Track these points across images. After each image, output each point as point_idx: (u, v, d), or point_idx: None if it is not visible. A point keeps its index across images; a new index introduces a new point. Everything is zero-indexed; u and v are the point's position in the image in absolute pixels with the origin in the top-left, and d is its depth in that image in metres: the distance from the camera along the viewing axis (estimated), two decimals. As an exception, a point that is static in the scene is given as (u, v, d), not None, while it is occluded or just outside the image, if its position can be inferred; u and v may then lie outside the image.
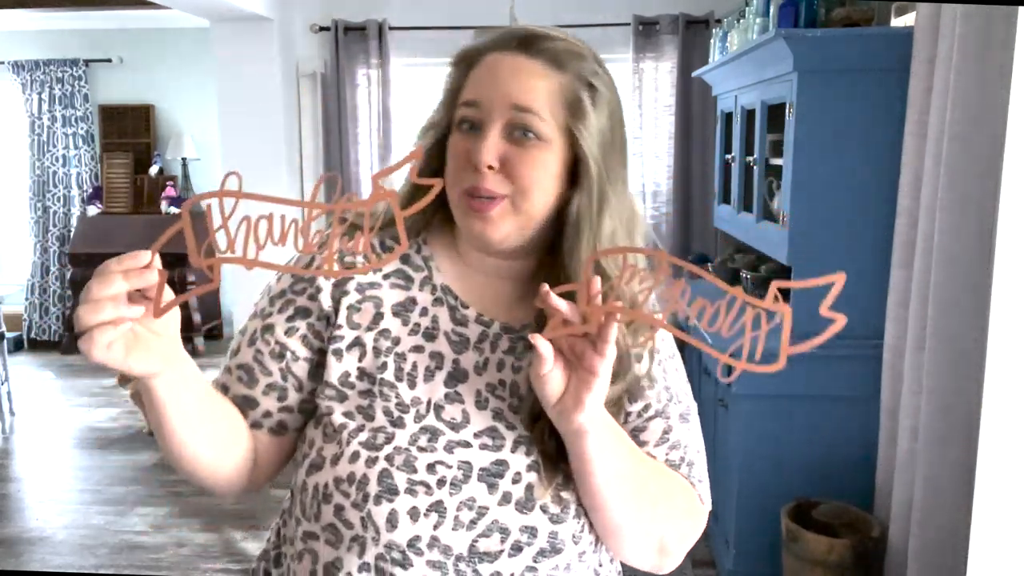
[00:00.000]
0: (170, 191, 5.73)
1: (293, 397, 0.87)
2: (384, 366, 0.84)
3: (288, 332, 0.87)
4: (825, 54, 2.27)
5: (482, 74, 0.83)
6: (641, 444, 0.86)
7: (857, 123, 2.29)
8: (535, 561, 0.80)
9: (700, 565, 2.77)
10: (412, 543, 0.78)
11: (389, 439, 0.81)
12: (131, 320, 0.67)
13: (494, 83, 0.81)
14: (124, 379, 4.17)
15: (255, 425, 0.88)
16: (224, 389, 0.88)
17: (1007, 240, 1.61)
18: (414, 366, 0.85)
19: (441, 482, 0.79)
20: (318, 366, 0.87)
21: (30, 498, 3.50)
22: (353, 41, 4.48)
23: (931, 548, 1.97)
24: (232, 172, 0.66)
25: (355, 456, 0.80)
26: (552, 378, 0.74)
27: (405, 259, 0.90)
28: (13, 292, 5.78)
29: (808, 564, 2.20)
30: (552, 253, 0.87)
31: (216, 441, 0.83)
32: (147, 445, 4.02)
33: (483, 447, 0.81)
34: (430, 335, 0.86)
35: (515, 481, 0.80)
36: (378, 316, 0.86)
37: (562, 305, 0.72)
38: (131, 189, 5.85)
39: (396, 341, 0.85)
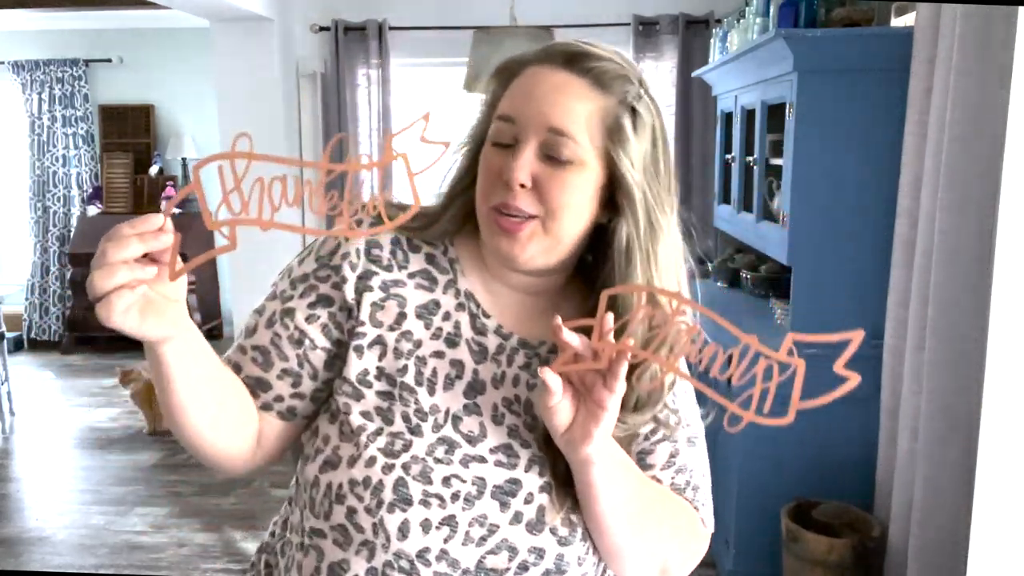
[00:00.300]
0: (170, 191, 5.73)
1: (307, 385, 0.87)
2: (405, 369, 0.84)
3: (309, 319, 0.86)
4: (825, 54, 2.27)
5: (521, 88, 0.82)
6: (648, 467, 0.86)
7: (857, 123, 2.29)
8: None
9: (700, 565, 2.76)
10: (421, 554, 0.78)
11: (407, 447, 0.80)
12: (146, 284, 0.66)
13: (532, 100, 0.80)
14: (125, 379, 4.17)
15: (265, 407, 0.87)
16: (237, 368, 0.87)
17: (1007, 240, 1.61)
18: (434, 372, 0.84)
19: (455, 496, 0.79)
20: (335, 357, 0.86)
21: (30, 498, 3.50)
22: (353, 41, 4.48)
23: (931, 548, 1.97)
24: (243, 134, 0.66)
25: (372, 461, 0.80)
26: (560, 409, 0.74)
27: (431, 259, 0.89)
28: (13, 292, 5.78)
29: (808, 564, 2.20)
30: (582, 273, 0.88)
31: (222, 414, 0.82)
32: (147, 445, 4.02)
33: (498, 464, 0.81)
34: (452, 341, 0.85)
35: (527, 501, 0.80)
36: (401, 316, 0.85)
37: (574, 340, 0.72)
38: (131, 189, 5.85)
39: (418, 344, 0.85)
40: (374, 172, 4.54)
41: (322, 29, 4.48)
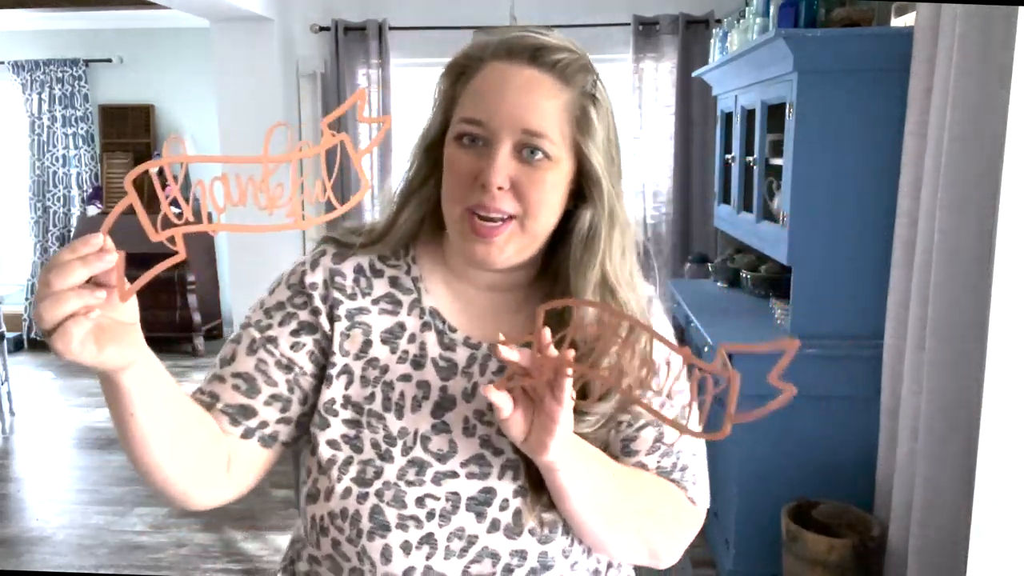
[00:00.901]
0: (170, 190, 5.73)
1: (295, 410, 0.87)
2: (372, 396, 0.84)
3: (294, 347, 0.86)
4: (825, 54, 2.27)
5: (486, 88, 0.80)
6: (633, 453, 0.87)
7: (857, 123, 2.29)
8: None
9: (700, 565, 2.77)
10: (407, 573, 0.80)
11: (378, 473, 0.81)
12: (98, 308, 0.62)
13: (502, 101, 0.79)
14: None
15: (246, 434, 0.84)
16: (214, 397, 0.84)
17: (1007, 240, 1.61)
18: (401, 395, 0.84)
19: (431, 515, 0.80)
20: (322, 382, 0.86)
21: (30, 498, 3.50)
22: (353, 41, 4.48)
23: (931, 548, 1.97)
24: (174, 136, 0.65)
25: (347, 492, 0.81)
26: (514, 423, 0.74)
27: (394, 282, 0.88)
28: (13, 292, 5.78)
29: (808, 564, 2.20)
30: (548, 264, 0.87)
31: (183, 442, 0.77)
32: (147, 445, 4.02)
33: (470, 476, 0.82)
34: (418, 363, 0.85)
35: (503, 508, 0.81)
36: (367, 344, 0.86)
37: (514, 356, 0.72)
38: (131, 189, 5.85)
39: (384, 370, 0.85)
40: (370, 172, 4.53)
41: (322, 29, 4.48)
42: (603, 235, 0.82)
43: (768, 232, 2.67)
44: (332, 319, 0.86)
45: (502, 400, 0.73)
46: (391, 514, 0.80)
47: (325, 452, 0.83)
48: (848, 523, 2.29)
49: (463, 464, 0.83)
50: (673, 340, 0.71)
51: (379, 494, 0.80)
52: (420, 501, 0.81)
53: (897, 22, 2.34)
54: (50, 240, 5.97)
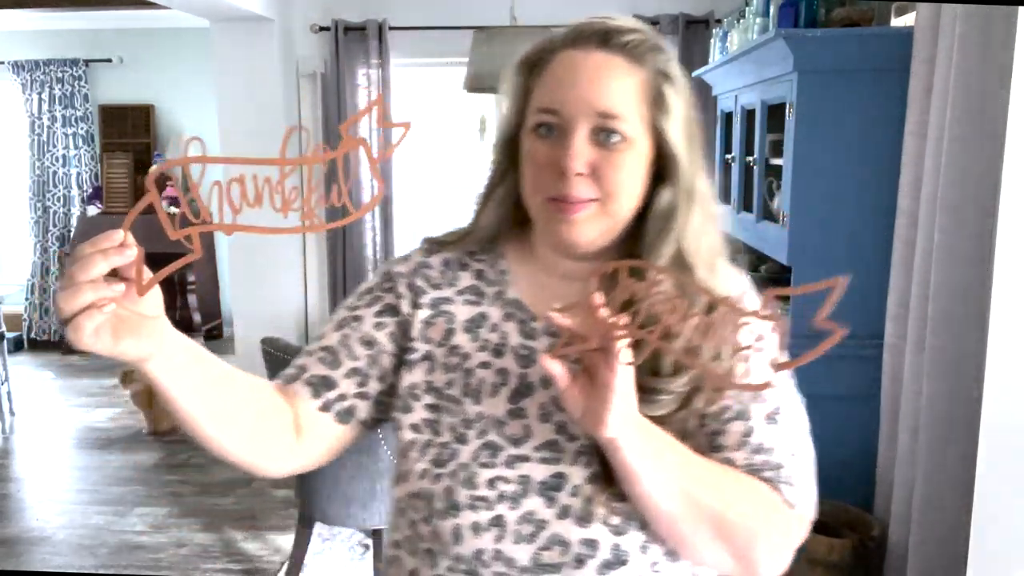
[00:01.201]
0: (170, 191, 5.73)
1: (373, 386, 0.90)
2: (452, 382, 0.87)
3: (377, 327, 0.90)
4: (825, 54, 2.27)
5: (559, 76, 0.81)
6: (720, 448, 0.82)
7: (857, 123, 2.29)
8: (600, 573, 0.79)
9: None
10: (477, 555, 0.80)
11: (453, 455, 0.83)
12: (114, 301, 0.65)
13: (574, 86, 0.79)
14: (126, 380, 4.17)
15: (324, 407, 0.88)
16: (301, 369, 0.89)
17: (1007, 240, 1.61)
18: (480, 382, 0.86)
19: (501, 496, 0.80)
20: (400, 364, 0.90)
21: (30, 498, 3.50)
22: (353, 41, 4.48)
23: (931, 548, 1.97)
24: (194, 137, 0.66)
25: (423, 473, 0.83)
26: (571, 396, 0.73)
27: (479, 275, 0.92)
28: (13, 292, 5.78)
29: (808, 564, 2.20)
30: (633, 253, 0.86)
31: (234, 419, 0.81)
32: (147, 445, 4.02)
33: (543, 460, 0.82)
34: (498, 351, 0.87)
35: (573, 494, 0.80)
36: (449, 332, 0.89)
37: (566, 322, 0.71)
38: (131, 189, 5.84)
39: (465, 357, 0.87)
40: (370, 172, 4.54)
41: (322, 29, 4.48)
42: (681, 213, 0.81)
43: (768, 232, 2.67)
44: (415, 306, 0.90)
45: (556, 368, 0.72)
46: (462, 495, 0.81)
47: (407, 435, 0.86)
48: (848, 523, 2.29)
49: (536, 448, 0.83)
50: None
51: (453, 475, 0.82)
52: (491, 483, 0.81)
53: (897, 22, 2.34)
54: (50, 240, 5.96)
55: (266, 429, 0.85)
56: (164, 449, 3.97)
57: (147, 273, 0.67)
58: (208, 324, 5.82)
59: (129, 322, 0.66)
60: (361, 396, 0.89)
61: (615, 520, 0.80)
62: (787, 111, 2.39)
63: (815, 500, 0.84)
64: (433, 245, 0.95)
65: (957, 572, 1.80)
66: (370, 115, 0.69)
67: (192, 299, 5.61)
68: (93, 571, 2.88)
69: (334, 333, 0.91)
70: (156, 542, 3.05)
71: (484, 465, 0.82)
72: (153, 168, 0.76)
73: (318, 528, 2.84)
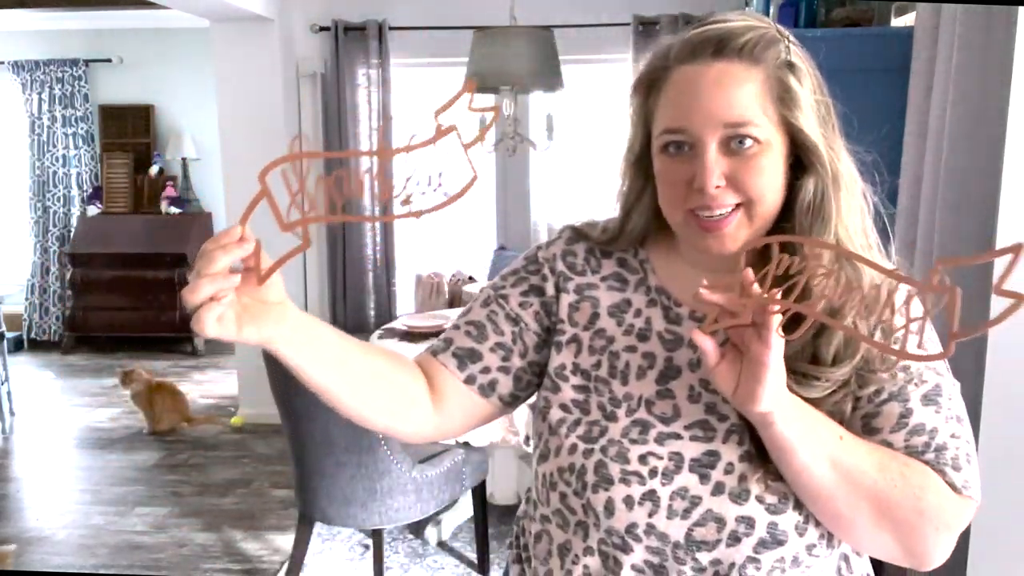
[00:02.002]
0: (170, 191, 5.73)
1: (515, 362, 0.93)
2: (599, 364, 0.89)
3: (522, 305, 0.94)
4: (825, 54, 2.26)
5: (678, 94, 0.80)
6: (875, 431, 0.80)
7: (857, 123, 2.29)
8: (756, 552, 0.79)
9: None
10: (630, 529, 0.81)
11: (603, 432, 0.85)
12: (231, 291, 0.70)
13: (697, 103, 0.78)
14: (126, 380, 4.17)
15: (469, 380, 0.93)
16: (447, 342, 0.94)
17: (1007, 240, 1.61)
18: (627, 365, 0.88)
19: (653, 472, 0.82)
20: (544, 343, 0.93)
21: (30, 498, 3.51)
22: (353, 41, 4.48)
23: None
24: (299, 135, 0.71)
25: (574, 448, 0.85)
26: (721, 373, 0.73)
27: (622, 263, 0.94)
28: (13, 292, 5.78)
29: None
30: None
31: (364, 390, 0.86)
32: (147, 445, 4.02)
33: (694, 438, 0.83)
34: (643, 336, 0.89)
35: (727, 472, 0.80)
36: (594, 316, 0.91)
37: (717, 299, 0.71)
38: (131, 189, 5.85)
39: (611, 340, 0.89)
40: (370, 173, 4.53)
41: (322, 29, 4.48)
42: (831, 199, 0.80)
43: (768, 232, 2.66)
44: (559, 290, 0.93)
45: (706, 343, 0.72)
46: (614, 468, 0.82)
47: (556, 414, 0.88)
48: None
49: (687, 427, 0.83)
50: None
51: (604, 450, 0.83)
52: (643, 459, 0.82)
53: (897, 22, 2.34)
54: (50, 240, 5.97)
55: (401, 397, 0.90)
56: (164, 449, 3.97)
57: (268, 260, 0.71)
58: (208, 324, 5.82)
59: (252, 309, 0.72)
60: (504, 371, 0.93)
61: (771, 499, 0.79)
62: (787, 111, 2.39)
63: (979, 485, 0.81)
64: (577, 234, 0.97)
65: (957, 572, 1.80)
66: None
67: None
68: (93, 571, 2.88)
69: (481, 309, 0.95)
70: (156, 542, 3.05)
71: (634, 441, 0.83)
72: (266, 165, 0.75)
73: (318, 528, 2.84)
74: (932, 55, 2.04)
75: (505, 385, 0.94)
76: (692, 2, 4.35)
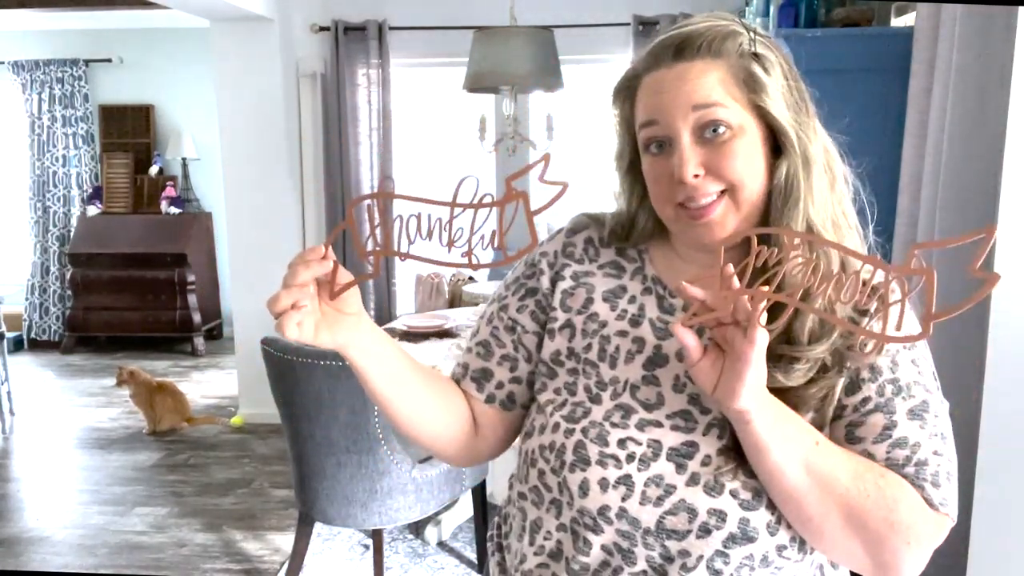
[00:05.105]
0: (170, 191, 5.73)
1: (523, 368, 0.96)
2: (589, 347, 0.90)
3: (520, 310, 0.96)
4: (825, 54, 2.26)
5: (648, 94, 0.83)
6: (858, 440, 0.80)
7: (857, 123, 2.29)
8: (725, 546, 0.79)
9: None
10: (602, 511, 0.82)
11: (586, 413, 0.87)
12: (308, 303, 0.78)
13: (664, 95, 0.81)
14: (122, 380, 4.17)
15: (489, 399, 0.96)
16: (464, 368, 0.98)
17: (1007, 240, 1.61)
18: (617, 348, 0.89)
19: (631, 457, 0.83)
20: (542, 340, 0.95)
21: (30, 498, 3.50)
22: (353, 41, 4.48)
23: (931, 548, 1.97)
24: (387, 176, 0.75)
25: (556, 427, 0.87)
26: (703, 370, 0.74)
27: (621, 252, 0.95)
28: (13, 292, 5.78)
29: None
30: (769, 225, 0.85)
31: (419, 407, 0.92)
32: (147, 445, 4.02)
33: (675, 428, 0.84)
34: (635, 321, 0.90)
35: (704, 464, 0.81)
36: (588, 301, 0.93)
37: (698, 293, 0.73)
38: (131, 189, 5.85)
39: (603, 324, 0.91)
40: (370, 173, 4.52)
41: (322, 29, 4.48)
42: (801, 181, 0.81)
43: (768, 232, 2.66)
44: (555, 280, 0.95)
45: (689, 339, 0.73)
46: (593, 450, 0.84)
47: (547, 396, 0.91)
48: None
49: (668, 416, 0.84)
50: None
51: (584, 431, 0.85)
52: (622, 443, 0.83)
53: (897, 22, 2.34)
54: (50, 240, 5.97)
55: (443, 422, 0.94)
56: (164, 449, 3.97)
57: (345, 277, 0.80)
58: (208, 324, 5.82)
59: (329, 317, 0.80)
60: (516, 380, 0.96)
61: (745, 495, 0.79)
62: (787, 111, 2.39)
63: (956, 504, 0.81)
64: (591, 220, 0.99)
65: (957, 572, 1.80)
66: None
67: (192, 299, 5.61)
68: (93, 571, 2.88)
69: (486, 327, 0.98)
70: (156, 542, 3.05)
71: (615, 425, 0.85)
72: (355, 198, 0.80)
73: (318, 528, 2.84)
74: (932, 55, 2.04)
75: (523, 393, 0.96)
76: (692, 2, 4.35)
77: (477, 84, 3.19)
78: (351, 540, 2.96)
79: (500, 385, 0.96)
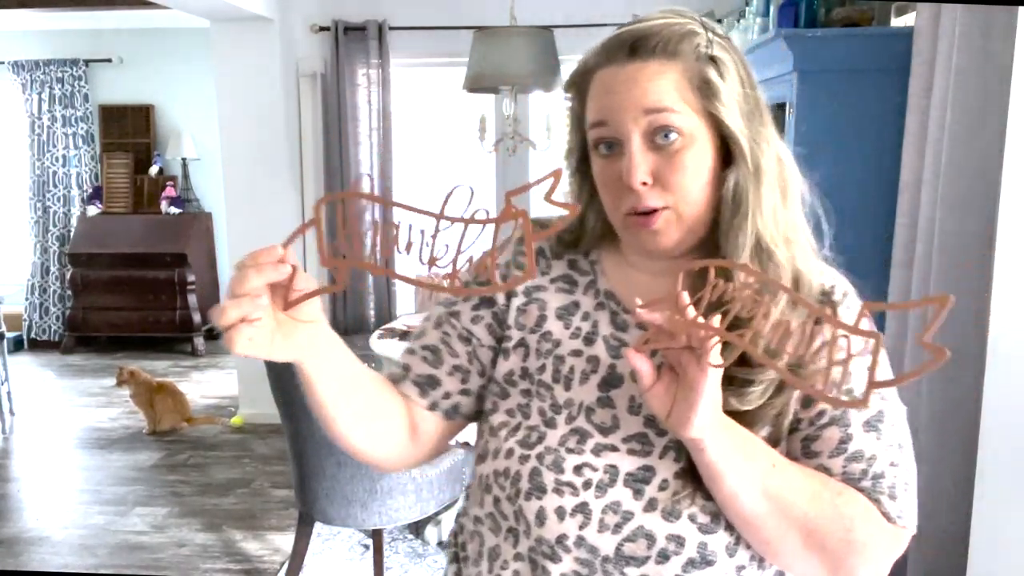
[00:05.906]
0: (170, 191, 5.73)
1: (475, 381, 0.92)
2: (543, 368, 0.87)
3: (474, 320, 0.92)
4: (825, 54, 2.27)
5: (600, 93, 0.81)
6: (814, 454, 0.80)
7: (857, 123, 2.29)
8: (684, 571, 0.78)
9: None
10: (560, 540, 0.80)
11: (541, 438, 0.84)
12: (262, 314, 0.69)
13: (615, 96, 0.79)
14: (122, 380, 4.17)
15: (432, 406, 0.92)
16: (406, 369, 0.92)
17: (1007, 240, 1.61)
18: (571, 369, 0.86)
19: (587, 484, 0.80)
20: (499, 354, 0.91)
21: (30, 498, 3.50)
22: (353, 41, 4.48)
23: (931, 548, 1.97)
24: (365, 173, 0.68)
25: (510, 452, 0.84)
26: (656, 396, 0.72)
27: (572, 264, 0.92)
28: (13, 292, 5.78)
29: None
30: (714, 235, 0.83)
31: (363, 421, 0.86)
32: (147, 445, 4.02)
33: (631, 452, 0.81)
34: (589, 339, 0.87)
35: (661, 488, 0.79)
36: (542, 318, 0.89)
37: (654, 317, 0.70)
38: (131, 189, 5.85)
39: (556, 343, 0.88)
40: (370, 173, 4.52)
41: (322, 29, 4.48)
42: (750, 193, 0.78)
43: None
44: (509, 295, 0.91)
45: (643, 365, 0.71)
46: (549, 477, 0.81)
47: (499, 418, 0.88)
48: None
49: (624, 440, 0.82)
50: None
51: (540, 457, 0.82)
52: (578, 469, 0.81)
53: (897, 22, 2.34)
54: (50, 240, 5.97)
55: (386, 428, 0.90)
56: (164, 449, 3.97)
57: (306, 283, 0.70)
58: (208, 324, 5.82)
59: (285, 326, 0.71)
60: (465, 393, 0.92)
61: (703, 519, 0.78)
62: (787, 111, 2.39)
63: (915, 514, 0.81)
64: (538, 226, 0.94)
65: (957, 572, 1.80)
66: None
67: (192, 299, 5.61)
68: (93, 571, 2.88)
69: (434, 331, 0.93)
70: (156, 542, 3.05)
71: (571, 451, 0.82)
72: (322, 197, 0.74)
73: (318, 528, 2.84)
74: (932, 55, 2.04)
75: (468, 405, 0.93)
76: (692, 2, 4.35)
77: (477, 84, 3.19)
78: (351, 540, 2.96)
79: (447, 395, 0.91)
